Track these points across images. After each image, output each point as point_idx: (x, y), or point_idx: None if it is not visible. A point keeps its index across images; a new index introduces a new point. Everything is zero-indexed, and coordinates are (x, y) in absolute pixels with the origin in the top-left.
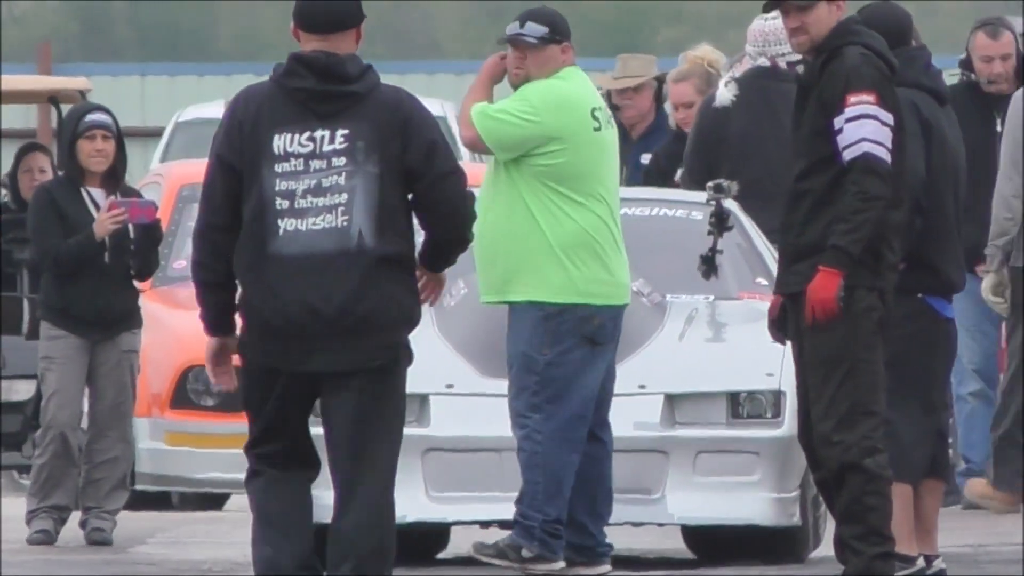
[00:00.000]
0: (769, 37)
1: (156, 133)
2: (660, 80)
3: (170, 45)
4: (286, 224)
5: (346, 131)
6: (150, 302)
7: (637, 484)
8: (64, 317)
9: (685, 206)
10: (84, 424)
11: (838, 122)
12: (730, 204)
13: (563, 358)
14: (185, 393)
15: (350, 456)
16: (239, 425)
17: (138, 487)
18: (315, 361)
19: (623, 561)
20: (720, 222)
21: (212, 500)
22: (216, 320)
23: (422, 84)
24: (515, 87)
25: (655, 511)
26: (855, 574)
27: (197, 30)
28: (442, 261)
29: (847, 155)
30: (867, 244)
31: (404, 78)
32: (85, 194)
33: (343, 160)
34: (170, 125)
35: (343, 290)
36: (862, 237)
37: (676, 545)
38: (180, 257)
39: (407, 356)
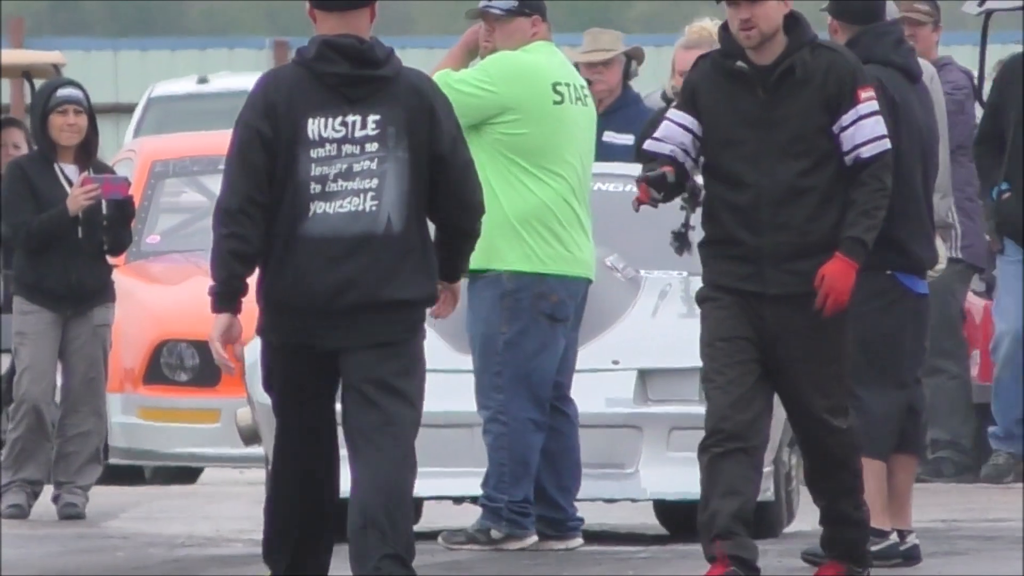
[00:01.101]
0: None
1: (128, 109)
2: (629, 57)
3: (141, 20)
4: (316, 207)
5: (377, 116)
6: (124, 277)
7: (610, 460)
8: (36, 292)
9: None
10: (57, 399)
11: (847, 118)
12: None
13: (522, 336)
14: (158, 368)
15: (370, 426)
16: (212, 400)
17: (111, 461)
18: (337, 338)
19: (595, 536)
20: (693, 197)
21: (185, 474)
22: (234, 294)
23: None
24: (483, 59)
25: (628, 487)
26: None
27: (168, 5)
28: (461, 258)
29: (869, 150)
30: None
31: None
32: (58, 169)
33: (375, 146)
34: (143, 100)
35: (369, 272)
36: (877, 225)
37: (649, 520)
38: (154, 232)
39: (424, 334)
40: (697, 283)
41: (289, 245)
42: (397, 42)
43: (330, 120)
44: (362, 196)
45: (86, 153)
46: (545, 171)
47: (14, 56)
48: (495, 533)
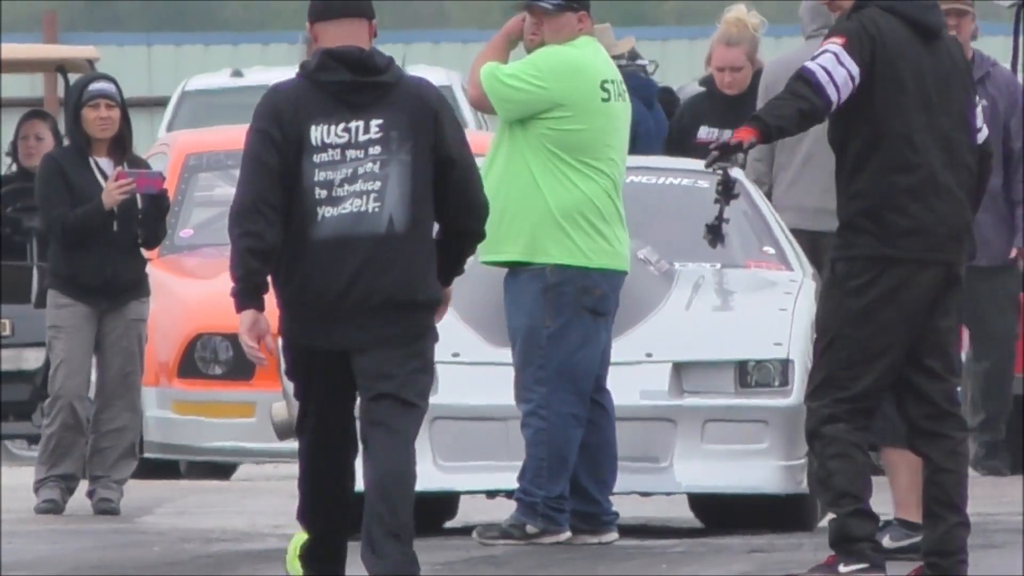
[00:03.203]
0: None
1: (162, 103)
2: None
3: (176, 14)
4: (323, 211)
5: (380, 120)
6: (158, 271)
7: (645, 453)
8: (72, 285)
9: (691, 175)
10: (91, 393)
11: None
12: (737, 172)
13: (566, 330)
14: (193, 362)
15: (380, 418)
16: (247, 393)
17: (146, 456)
18: (347, 339)
19: (630, 529)
20: (727, 190)
21: (220, 469)
22: (255, 290)
23: (427, 53)
24: (530, 52)
25: (663, 480)
26: (834, 536)
27: (201, 3)
28: (459, 261)
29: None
30: (866, 210)
31: (410, 47)
32: (92, 163)
33: (378, 149)
34: (176, 94)
35: (374, 272)
36: (771, 114)
37: (683, 514)
38: (187, 226)
39: (434, 335)
40: (729, 274)
41: (299, 250)
42: (431, 36)
43: (333, 127)
44: (365, 198)
45: (120, 147)
46: (589, 167)
47: (48, 51)
48: (530, 528)
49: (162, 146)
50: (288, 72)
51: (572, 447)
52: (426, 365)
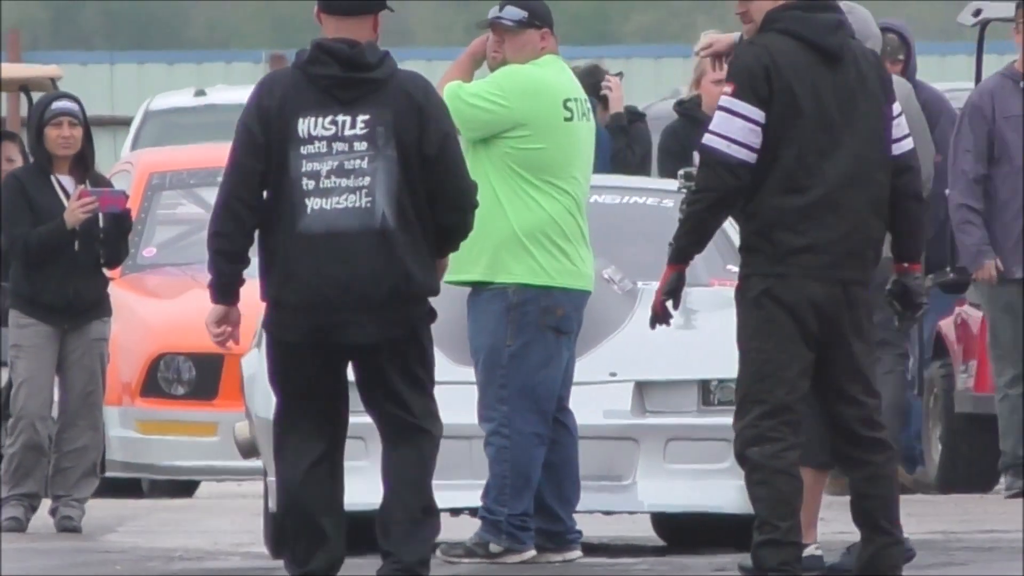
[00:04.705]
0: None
1: (125, 122)
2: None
3: (140, 34)
4: (312, 203)
5: (366, 117)
6: (120, 290)
7: (608, 472)
8: (33, 305)
9: (656, 194)
10: (54, 413)
11: None
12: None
13: (527, 349)
14: (156, 381)
15: (388, 417)
16: (210, 413)
17: (108, 475)
18: (342, 334)
19: (593, 548)
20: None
21: (182, 487)
22: (228, 289)
23: None
24: (492, 70)
25: (626, 499)
26: (752, 565)
27: (167, 19)
28: (447, 247)
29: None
30: (759, 231)
31: None
32: (55, 182)
33: (364, 145)
34: (139, 114)
35: (368, 267)
36: (690, 230)
37: (646, 532)
38: (150, 244)
39: (432, 317)
40: (693, 293)
41: (288, 243)
42: (396, 54)
43: (320, 119)
44: (358, 193)
45: (83, 165)
46: (553, 186)
47: (12, 70)
48: (494, 547)
49: (126, 164)
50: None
51: (535, 466)
52: (430, 350)
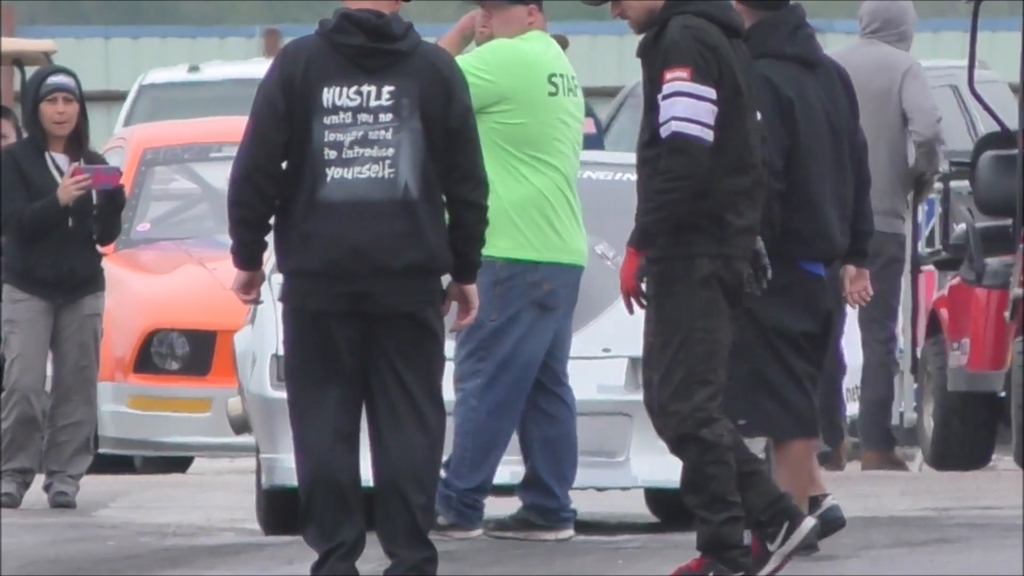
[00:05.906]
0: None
1: (120, 96)
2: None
3: (134, 8)
4: (333, 172)
5: (392, 88)
6: (114, 265)
7: (601, 447)
8: (27, 280)
9: None
10: (48, 387)
11: (659, 99)
12: None
13: (511, 324)
14: (149, 357)
15: (395, 395)
16: (203, 389)
17: (102, 451)
18: (362, 303)
19: (586, 525)
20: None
21: (176, 463)
22: (251, 256)
23: None
24: (480, 45)
25: (619, 475)
26: (705, 542)
27: None
28: (473, 244)
29: (661, 133)
30: (707, 211)
31: None
32: (49, 158)
33: (389, 116)
34: (134, 89)
35: (390, 237)
36: (665, 217)
37: (639, 509)
38: (144, 220)
39: (442, 298)
40: None
41: (309, 211)
42: None
43: (345, 89)
44: (381, 164)
45: (77, 142)
46: (539, 160)
47: (5, 44)
48: (441, 520)
49: (119, 140)
50: (246, 67)
51: (500, 439)
52: (442, 327)
